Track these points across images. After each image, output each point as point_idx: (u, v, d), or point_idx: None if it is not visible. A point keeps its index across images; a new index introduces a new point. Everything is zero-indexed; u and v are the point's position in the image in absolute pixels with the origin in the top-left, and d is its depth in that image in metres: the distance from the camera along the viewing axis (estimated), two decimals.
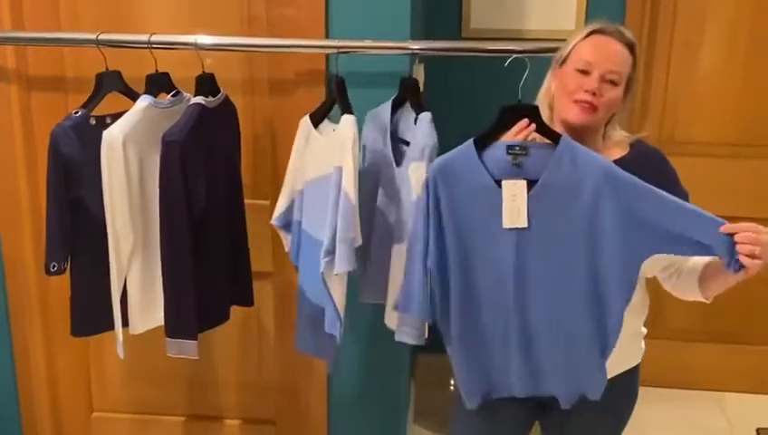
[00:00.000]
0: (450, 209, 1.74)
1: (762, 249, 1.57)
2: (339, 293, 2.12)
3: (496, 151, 1.71)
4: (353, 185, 2.00)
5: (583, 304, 1.72)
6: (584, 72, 1.75)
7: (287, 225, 2.26)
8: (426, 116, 2.06)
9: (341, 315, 2.12)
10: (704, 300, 1.81)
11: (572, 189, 1.67)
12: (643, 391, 2.02)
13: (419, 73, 2.24)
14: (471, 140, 1.73)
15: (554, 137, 1.70)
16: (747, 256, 1.57)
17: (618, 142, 1.85)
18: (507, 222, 1.71)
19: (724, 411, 3.36)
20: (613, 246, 1.67)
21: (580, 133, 1.77)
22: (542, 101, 1.86)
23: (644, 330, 1.98)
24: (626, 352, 1.89)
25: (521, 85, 1.80)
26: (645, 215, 1.64)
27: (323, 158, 2.10)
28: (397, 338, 2.09)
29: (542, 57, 1.98)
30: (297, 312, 2.28)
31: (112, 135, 2.01)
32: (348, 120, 2.05)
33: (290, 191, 2.23)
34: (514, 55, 1.95)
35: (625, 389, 1.95)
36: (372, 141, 2.19)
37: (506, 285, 1.74)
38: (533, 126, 1.72)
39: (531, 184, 1.69)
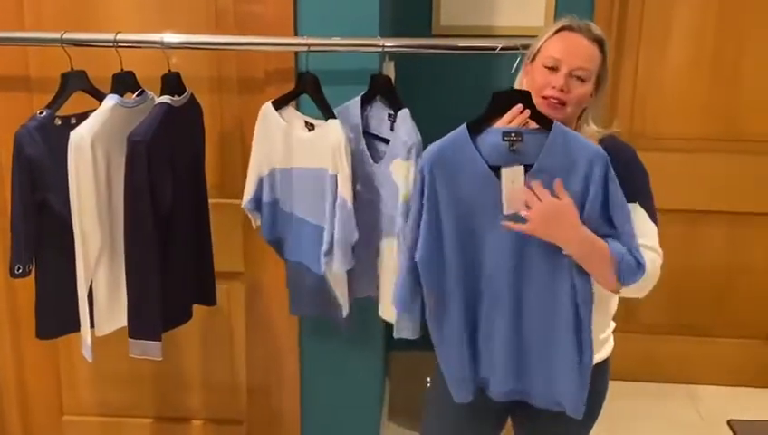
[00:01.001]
0: (447, 198, 1.74)
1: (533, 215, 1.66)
2: (341, 286, 2.23)
3: (491, 137, 1.71)
4: (348, 189, 2.07)
5: (569, 287, 1.73)
6: (552, 69, 1.76)
7: (257, 206, 2.29)
8: (405, 113, 2.08)
9: (347, 303, 2.22)
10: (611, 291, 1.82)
11: (566, 173, 1.68)
12: (614, 386, 2.02)
13: (389, 71, 2.24)
14: (464, 126, 1.73)
15: (547, 122, 1.71)
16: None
17: (589, 137, 1.85)
18: (507, 208, 1.71)
19: (696, 404, 3.39)
20: (590, 225, 1.69)
21: None
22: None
23: (613, 324, 1.99)
24: (598, 344, 1.89)
25: (511, 72, 1.82)
26: (612, 209, 1.68)
27: (310, 151, 2.14)
28: (395, 335, 2.10)
29: (514, 54, 2.00)
30: (289, 283, 2.35)
31: (80, 136, 1.99)
32: (334, 125, 2.09)
33: (256, 176, 2.25)
34: (502, 45, 1.95)
35: (595, 384, 1.94)
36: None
37: (504, 273, 1.75)
38: (528, 112, 1.72)
39: (526, 169, 1.70)
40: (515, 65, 1.83)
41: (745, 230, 3.35)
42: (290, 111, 2.22)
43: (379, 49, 2.18)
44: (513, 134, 1.69)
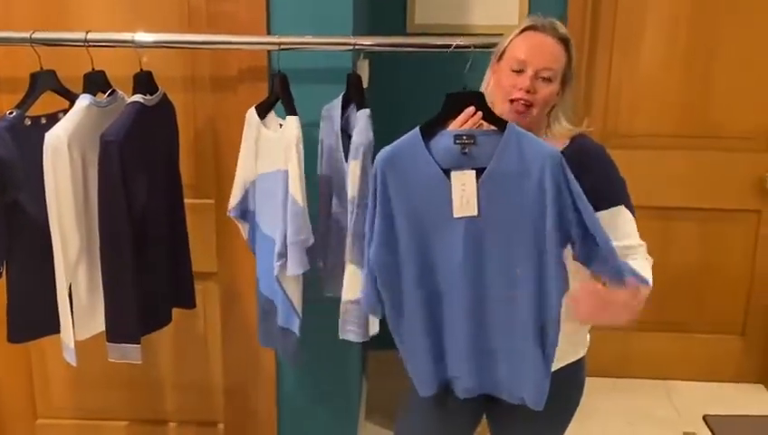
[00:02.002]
0: (399, 201, 1.73)
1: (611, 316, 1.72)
2: (295, 293, 2.17)
3: (444, 140, 1.70)
4: (300, 188, 2.03)
5: (529, 292, 1.72)
6: (518, 72, 1.75)
7: (243, 214, 2.26)
8: (363, 113, 2.07)
9: (299, 313, 2.16)
10: None
11: (520, 176, 1.67)
12: (590, 382, 2.03)
13: (363, 69, 2.23)
14: (417, 129, 1.72)
15: (501, 124, 1.70)
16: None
17: (559, 135, 1.85)
18: (458, 211, 1.70)
19: (672, 399, 3.41)
20: (553, 230, 1.67)
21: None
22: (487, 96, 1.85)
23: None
24: (571, 344, 1.90)
25: (465, 71, 1.81)
26: (572, 212, 1.67)
27: (272, 154, 2.11)
28: (341, 336, 2.09)
29: (489, 52, 1.98)
30: (257, 308, 2.31)
31: (57, 137, 1.97)
32: (292, 122, 2.05)
33: (242, 182, 2.23)
34: (457, 42, 1.95)
35: (571, 380, 1.96)
36: (327, 137, 2.20)
37: (460, 274, 1.74)
38: (480, 114, 1.71)
39: (479, 171, 1.69)
40: (467, 66, 1.83)
41: (719, 226, 3.38)
42: (271, 115, 2.20)
43: (351, 47, 2.18)
44: (464, 136, 1.68)
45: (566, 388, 1.95)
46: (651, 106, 3.27)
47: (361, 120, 2.06)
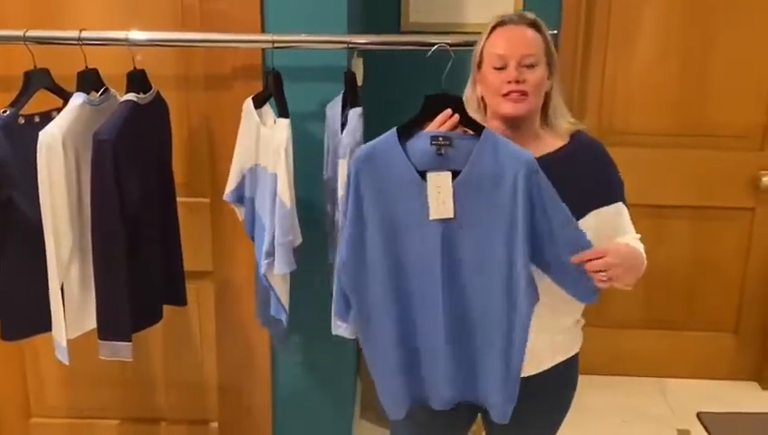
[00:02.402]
0: (374, 202, 1.73)
1: (612, 271, 1.64)
2: (282, 290, 2.19)
3: (420, 142, 1.70)
4: (288, 191, 2.05)
5: (500, 299, 1.72)
6: (501, 68, 1.75)
7: (240, 199, 2.27)
8: (355, 112, 2.07)
9: (286, 308, 2.18)
10: None
11: (494, 180, 1.67)
12: (584, 379, 2.03)
13: (358, 67, 2.23)
14: (394, 130, 1.72)
15: (478, 128, 1.70)
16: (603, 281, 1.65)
17: (559, 132, 1.85)
18: (434, 213, 1.70)
19: (665, 397, 3.42)
20: (522, 242, 1.67)
21: (518, 124, 1.78)
22: (468, 104, 1.83)
23: (582, 319, 2.00)
24: (565, 342, 1.91)
25: (443, 76, 1.79)
26: (543, 217, 1.66)
27: (267, 150, 2.13)
28: (333, 331, 2.10)
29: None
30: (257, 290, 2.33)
31: (51, 135, 1.96)
32: (282, 125, 2.06)
33: (239, 169, 2.23)
34: (437, 45, 1.95)
35: (565, 378, 1.97)
36: (328, 137, 2.21)
37: (436, 278, 1.73)
38: (457, 116, 1.71)
39: (455, 174, 1.68)
40: (447, 69, 1.82)
41: (713, 224, 3.39)
42: (266, 108, 2.21)
43: (345, 45, 2.17)
44: (440, 138, 1.68)
45: (560, 385, 1.96)
46: (646, 104, 3.28)
47: (352, 119, 2.06)
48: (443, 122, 1.71)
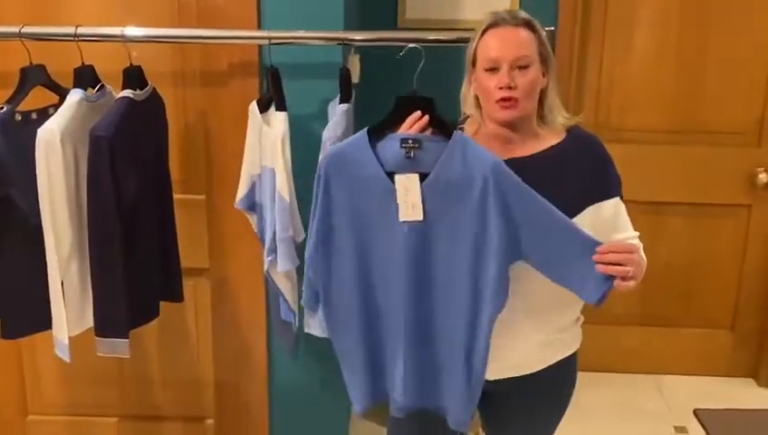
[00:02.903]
0: (341, 201, 1.73)
1: (634, 268, 1.62)
2: (287, 288, 2.18)
3: (390, 143, 1.69)
4: (287, 184, 2.04)
5: (466, 302, 1.71)
6: (493, 70, 1.73)
7: (251, 206, 2.25)
8: (341, 107, 2.07)
9: (295, 308, 2.17)
10: None
11: (463, 184, 1.66)
12: (582, 376, 2.03)
13: (354, 64, 2.23)
14: (365, 131, 1.72)
15: (448, 130, 1.69)
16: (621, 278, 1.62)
17: (556, 128, 1.84)
18: (403, 215, 1.69)
19: (662, 394, 3.43)
20: (493, 247, 1.66)
21: (515, 125, 1.77)
22: (465, 101, 1.84)
23: (581, 317, 2.00)
24: (565, 339, 1.90)
25: (415, 76, 1.79)
26: (523, 219, 1.65)
27: (268, 146, 2.12)
28: (305, 330, 2.11)
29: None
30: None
31: (50, 131, 1.96)
32: (279, 119, 2.05)
33: (248, 176, 2.22)
34: (410, 45, 1.95)
35: (564, 375, 1.96)
36: (332, 132, 2.18)
37: (401, 280, 1.73)
38: (426, 118, 1.71)
39: (423, 177, 1.68)
40: (419, 69, 1.82)
41: (709, 221, 3.39)
42: (271, 110, 2.18)
43: (340, 42, 2.18)
44: (410, 141, 1.67)
45: (559, 383, 1.95)
46: (642, 101, 3.28)
47: (337, 114, 2.06)
48: (412, 124, 1.71)
